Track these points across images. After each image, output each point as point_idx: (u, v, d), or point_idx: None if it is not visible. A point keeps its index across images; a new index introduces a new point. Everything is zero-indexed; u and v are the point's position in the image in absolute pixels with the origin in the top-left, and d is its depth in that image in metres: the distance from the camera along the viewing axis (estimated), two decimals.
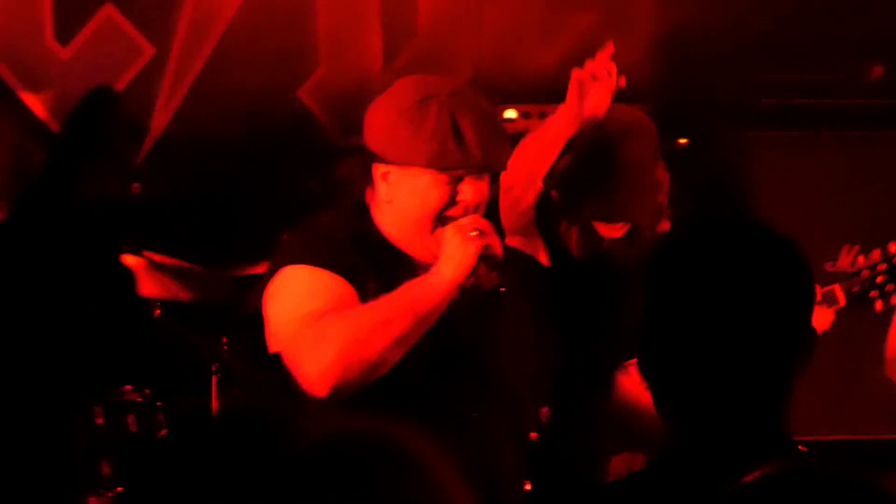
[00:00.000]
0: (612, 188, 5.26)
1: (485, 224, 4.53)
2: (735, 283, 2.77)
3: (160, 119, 7.30)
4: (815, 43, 7.59)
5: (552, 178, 5.31)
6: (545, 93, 6.79)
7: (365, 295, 4.53)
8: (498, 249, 4.48)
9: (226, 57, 7.43)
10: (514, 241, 5.11)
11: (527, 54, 7.51)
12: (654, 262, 2.96)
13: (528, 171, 5.27)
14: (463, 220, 4.47)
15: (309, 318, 4.48)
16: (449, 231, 4.47)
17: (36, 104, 7.33)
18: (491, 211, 4.90)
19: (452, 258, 4.49)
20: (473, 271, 4.47)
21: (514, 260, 4.87)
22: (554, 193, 5.36)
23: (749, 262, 2.83)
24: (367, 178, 4.49)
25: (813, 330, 2.88)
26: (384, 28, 7.78)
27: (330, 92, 7.53)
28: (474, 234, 4.45)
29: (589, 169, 5.06)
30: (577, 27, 7.48)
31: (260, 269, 5.18)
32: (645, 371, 2.90)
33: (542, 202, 5.32)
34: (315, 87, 7.45)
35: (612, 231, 5.20)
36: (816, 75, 7.88)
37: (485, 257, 4.45)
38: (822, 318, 5.20)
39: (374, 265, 4.59)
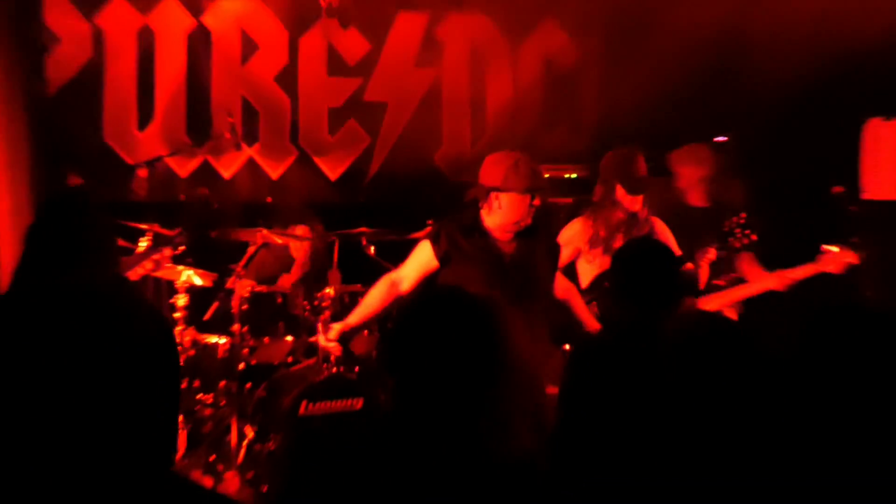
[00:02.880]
0: None
1: None
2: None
3: (374, 168, 8.49)
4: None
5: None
6: (551, 158, 7.54)
7: (460, 259, 4.83)
8: None
9: (403, 138, 8.48)
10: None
11: (535, 140, 8.24)
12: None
13: None
14: None
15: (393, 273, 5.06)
16: None
17: (321, 163, 8.42)
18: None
19: None
20: None
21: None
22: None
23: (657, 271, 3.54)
24: (486, 199, 4.82)
25: (687, 274, 3.94)
26: (472, 126, 8.68)
27: (448, 158, 8.54)
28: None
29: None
30: (562, 132, 8.42)
31: (417, 234, 6.10)
32: (616, 295, 3.64)
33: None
34: (441, 156, 8.57)
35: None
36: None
37: None
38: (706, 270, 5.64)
39: (474, 243, 4.86)
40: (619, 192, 5.41)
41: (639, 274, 3.55)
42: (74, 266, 3.67)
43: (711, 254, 5.48)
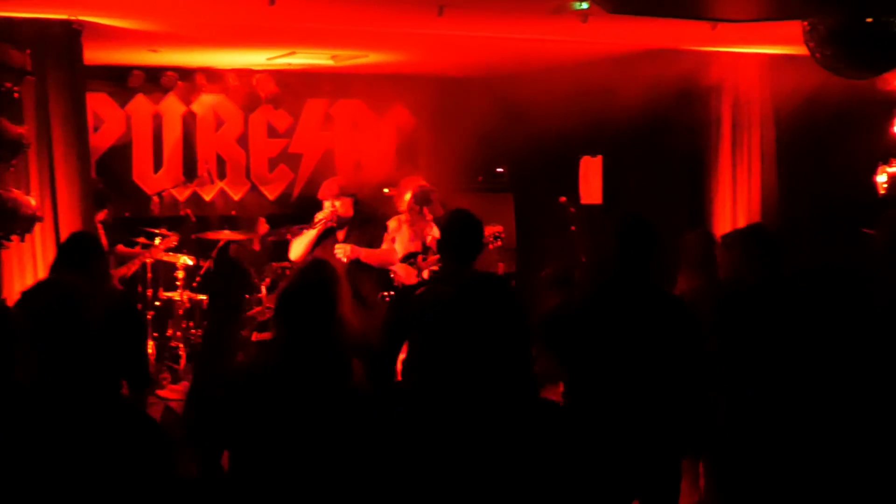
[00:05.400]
0: None
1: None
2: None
3: (296, 192, 8.45)
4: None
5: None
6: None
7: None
8: None
9: (313, 174, 8.26)
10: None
11: (390, 174, 8.02)
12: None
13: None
14: None
15: None
16: None
17: (265, 190, 8.58)
18: None
19: None
20: None
21: None
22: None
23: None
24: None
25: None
26: (354, 167, 8.43)
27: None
28: None
29: None
30: (406, 170, 7.84)
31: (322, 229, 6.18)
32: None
33: None
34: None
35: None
36: None
37: None
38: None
39: None
40: (424, 210, 6.16)
41: (455, 238, 3.40)
42: (86, 267, 3.79)
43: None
